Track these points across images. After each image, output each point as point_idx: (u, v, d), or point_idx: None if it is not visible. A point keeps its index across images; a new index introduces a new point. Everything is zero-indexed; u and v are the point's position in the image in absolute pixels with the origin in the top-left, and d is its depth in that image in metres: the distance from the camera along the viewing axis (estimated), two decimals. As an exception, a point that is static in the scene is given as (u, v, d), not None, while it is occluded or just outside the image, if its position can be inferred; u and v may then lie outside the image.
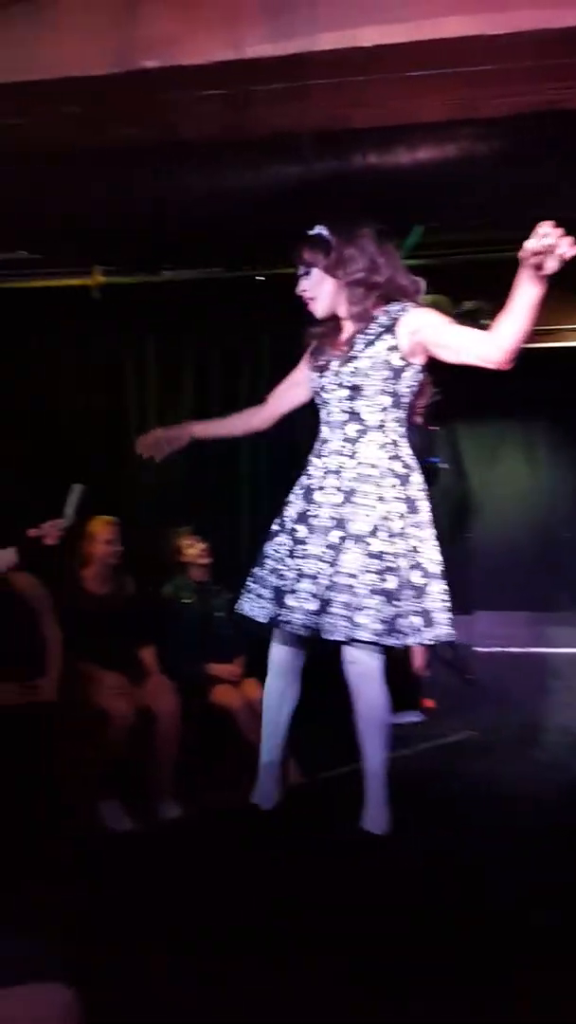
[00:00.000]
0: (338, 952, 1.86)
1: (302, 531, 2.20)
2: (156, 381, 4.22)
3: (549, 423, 5.98)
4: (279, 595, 2.19)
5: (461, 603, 6.05)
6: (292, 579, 2.17)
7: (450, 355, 2.15)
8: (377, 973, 1.75)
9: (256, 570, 2.28)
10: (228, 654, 3.70)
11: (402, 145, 2.71)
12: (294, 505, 2.26)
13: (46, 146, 2.21)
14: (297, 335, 3.47)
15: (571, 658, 5.45)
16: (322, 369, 2.25)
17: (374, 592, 2.07)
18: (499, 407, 5.76)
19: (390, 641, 2.10)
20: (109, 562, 3.44)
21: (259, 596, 2.25)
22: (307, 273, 2.22)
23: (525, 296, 1.96)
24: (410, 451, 2.23)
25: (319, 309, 2.24)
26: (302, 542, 2.19)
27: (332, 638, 2.10)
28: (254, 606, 2.25)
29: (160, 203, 2.79)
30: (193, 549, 3.77)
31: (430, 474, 4.99)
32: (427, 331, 2.14)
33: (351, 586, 2.08)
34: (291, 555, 2.20)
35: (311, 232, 2.23)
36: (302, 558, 2.17)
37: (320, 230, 2.23)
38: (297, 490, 2.27)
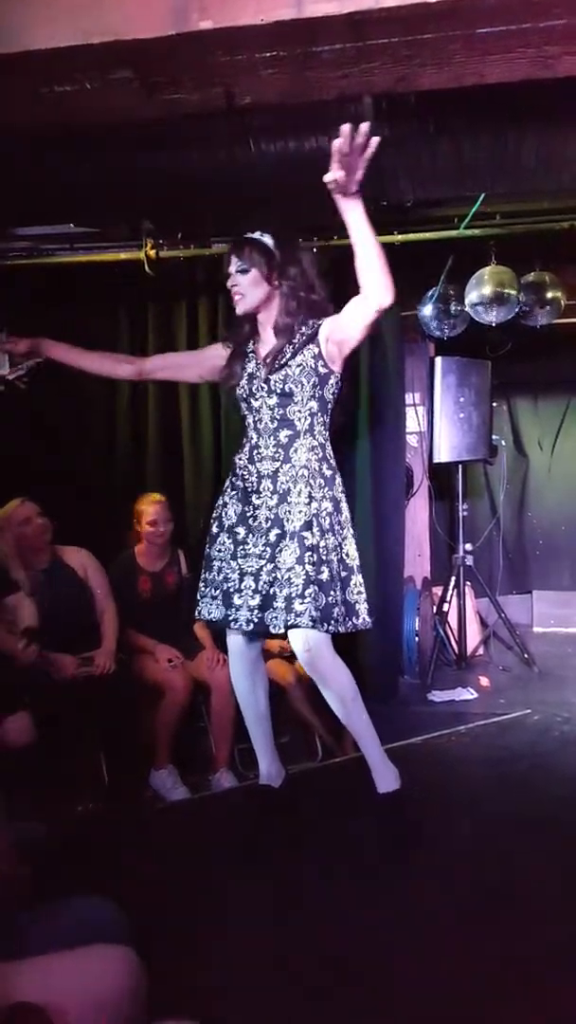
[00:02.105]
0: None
1: (242, 532, 2.37)
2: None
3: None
4: (226, 595, 2.36)
5: (520, 582, 5.99)
6: (235, 579, 2.34)
7: (353, 328, 2.27)
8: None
9: (204, 574, 2.46)
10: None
11: (466, 106, 2.62)
12: (231, 507, 2.41)
13: (98, 115, 2.16)
14: (339, 300, 3.36)
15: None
16: (250, 377, 2.40)
17: (310, 582, 2.20)
18: (561, 384, 5.62)
19: (324, 629, 2.23)
20: (160, 538, 3.47)
21: (212, 598, 2.42)
22: (244, 271, 2.33)
23: (351, 221, 2.17)
24: (331, 454, 2.39)
25: (243, 306, 2.37)
26: (243, 542, 2.35)
27: (276, 631, 2.25)
28: (210, 608, 2.42)
29: (214, 172, 2.75)
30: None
31: (491, 451, 4.92)
32: (332, 327, 2.30)
33: (290, 579, 2.22)
34: (233, 556, 2.37)
35: (255, 236, 2.36)
36: (243, 558, 2.34)
37: (265, 237, 2.36)
38: (231, 492, 2.42)
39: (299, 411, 2.33)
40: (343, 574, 2.32)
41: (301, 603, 2.19)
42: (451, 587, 4.65)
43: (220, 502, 2.46)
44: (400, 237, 3.71)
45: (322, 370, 2.33)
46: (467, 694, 4.08)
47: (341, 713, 2.36)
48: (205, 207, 3.16)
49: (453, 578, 4.66)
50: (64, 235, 3.79)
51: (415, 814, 2.34)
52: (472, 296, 4.05)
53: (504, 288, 4.02)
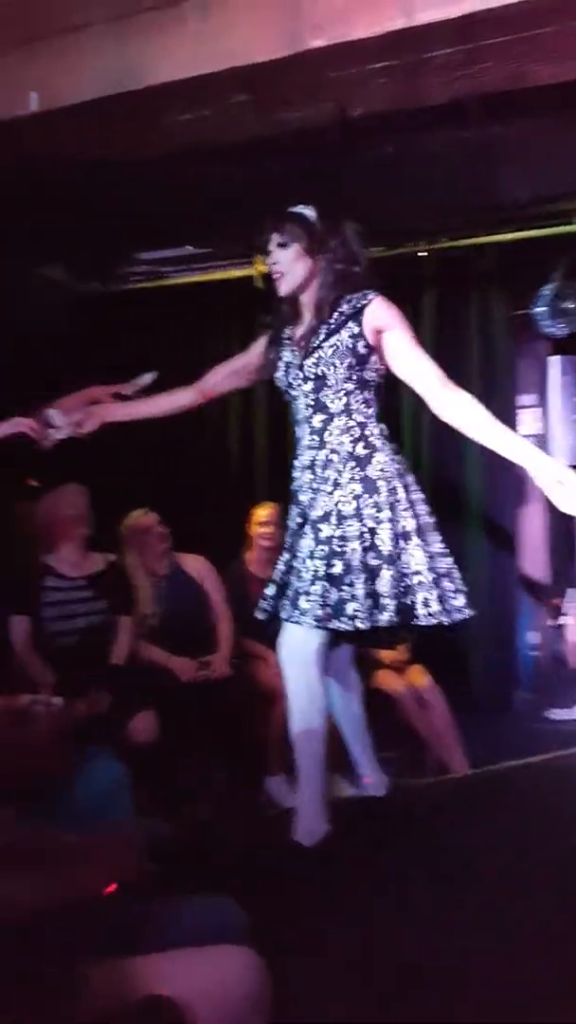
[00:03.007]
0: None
1: (290, 527, 2.26)
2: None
3: None
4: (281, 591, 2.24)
5: None
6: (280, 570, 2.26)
7: (398, 372, 2.15)
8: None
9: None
10: (393, 639, 3.68)
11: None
12: (291, 510, 2.29)
13: (214, 138, 2.24)
14: (457, 308, 3.36)
15: None
16: (287, 367, 2.24)
17: (317, 578, 2.07)
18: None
19: (335, 625, 2.07)
20: (273, 545, 3.52)
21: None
22: (284, 245, 2.17)
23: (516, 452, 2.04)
24: (379, 431, 2.18)
25: (286, 285, 2.20)
26: (292, 546, 2.23)
27: (283, 618, 2.13)
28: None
29: (327, 185, 2.78)
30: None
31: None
32: (388, 339, 2.14)
33: (300, 571, 2.12)
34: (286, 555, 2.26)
35: (296, 209, 2.19)
36: (306, 559, 2.16)
37: (306, 210, 2.19)
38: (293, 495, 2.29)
39: (333, 393, 2.16)
40: (373, 563, 2.09)
41: (304, 599, 2.08)
42: (569, 599, 4.47)
43: None
44: (512, 235, 3.63)
45: (362, 350, 2.15)
46: (573, 714, 3.90)
47: (293, 714, 2.22)
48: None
49: (571, 589, 4.48)
50: (180, 257, 3.93)
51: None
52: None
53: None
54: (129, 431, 3.49)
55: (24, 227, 3.04)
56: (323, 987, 1.70)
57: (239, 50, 1.80)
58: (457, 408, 2.07)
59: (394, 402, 4.03)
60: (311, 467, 2.20)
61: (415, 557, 2.11)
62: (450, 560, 2.20)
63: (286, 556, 2.24)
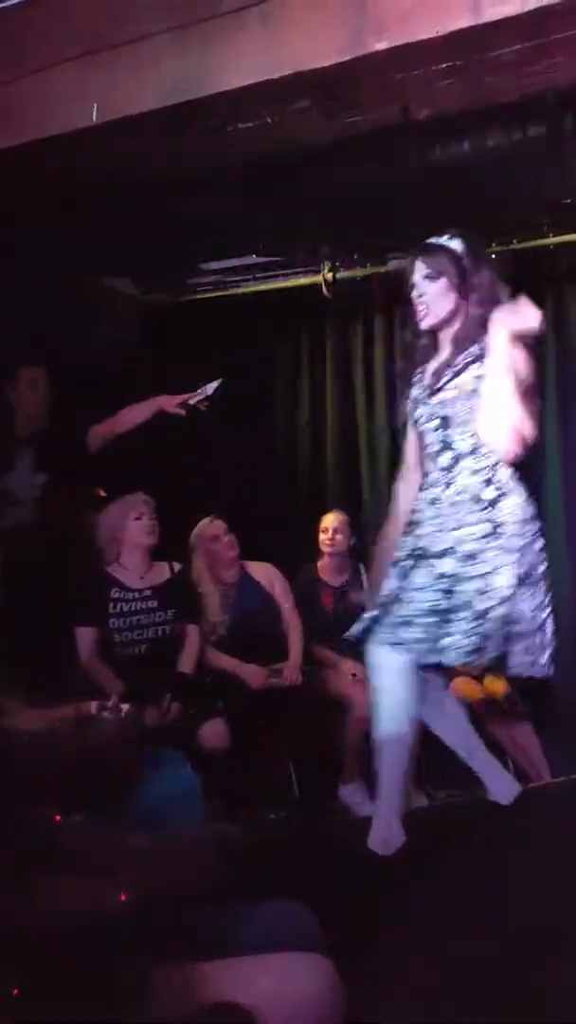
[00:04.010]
0: None
1: (409, 564, 2.16)
2: (383, 373, 4.14)
3: None
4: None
5: None
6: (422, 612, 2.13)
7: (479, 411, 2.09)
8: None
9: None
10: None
11: None
12: (405, 539, 2.23)
13: (278, 145, 2.25)
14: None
15: None
16: (415, 402, 2.22)
17: (425, 612, 2.07)
18: None
19: (431, 659, 2.09)
20: (341, 553, 3.51)
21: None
22: (432, 278, 2.14)
23: None
24: (508, 473, 2.15)
25: (431, 319, 2.18)
26: (406, 575, 2.16)
27: (381, 640, 2.12)
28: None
29: (390, 186, 2.76)
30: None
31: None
32: (488, 372, 2.07)
33: (409, 601, 2.09)
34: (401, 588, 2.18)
35: (445, 241, 2.16)
36: (420, 590, 2.12)
37: (453, 241, 2.16)
38: (407, 528, 2.25)
39: (459, 434, 2.15)
40: (482, 606, 2.07)
41: (409, 630, 2.08)
42: None
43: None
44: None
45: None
46: None
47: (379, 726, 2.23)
48: (381, 222, 3.18)
49: None
50: (247, 266, 3.95)
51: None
52: None
53: None
54: (196, 439, 3.52)
55: (90, 239, 3.11)
56: (392, 998, 1.67)
57: (302, 55, 1.80)
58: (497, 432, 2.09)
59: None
60: (435, 503, 2.19)
61: (523, 607, 2.11)
62: (548, 612, 2.18)
63: (394, 583, 2.18)
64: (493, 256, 2.16)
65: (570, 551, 3.83)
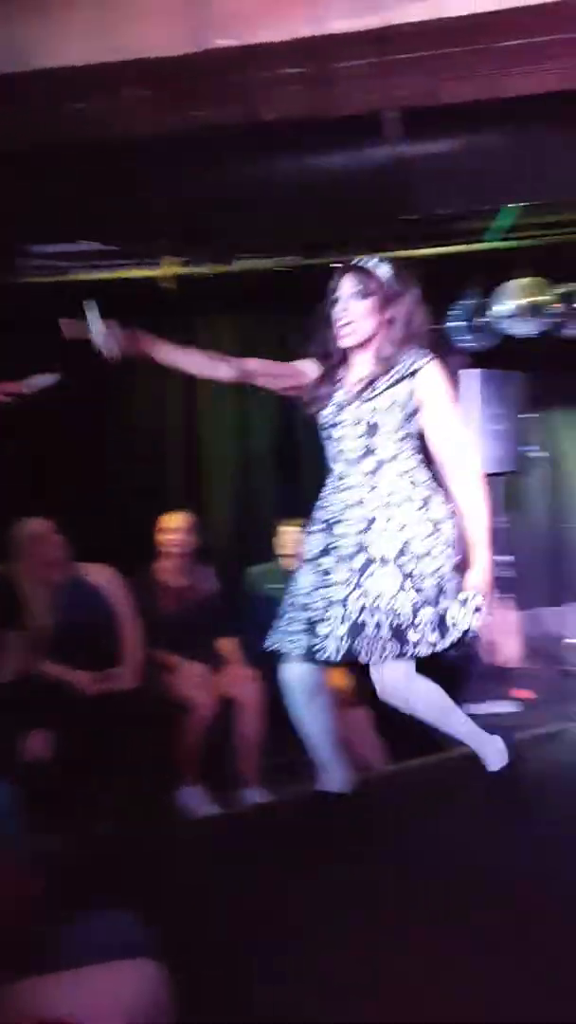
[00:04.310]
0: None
1: (327, 562, 2.28)
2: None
3: None
4: (311, 626, 2.26)
5: (555, 595, 5.90)
6: (321, 608, 2.25)
7: (430, 434, 2.27)
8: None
9: (286, 608, 2.34)
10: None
11: (489, 121, 2.61)
12: (315, 539, 2.33)
13: (116, 132, 2.18)
14: None
15: None
16: (338, 406, 2.30)
17: (397, 612, 2.17)
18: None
19: (410, 655, 2.20)
20: (184, 554, 3.47)
21: (290, 631, 2.30)
22: (360, 297, 2.23)
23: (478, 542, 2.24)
24: (427, 476, 2.30)
25: (353, 338, 2.27)
26: (327, 572, 2.27)
27: (366, 661, 2.21)
28: (286, 641, 2.30)
29: (236, 188, 2.77)
30: (290, 537, 3.76)
31: (526, 463, 4.88)
32: (429, 405, 2.25)
33: (377, 607, 2.18)
34: (316, 587, 2.28)
35: (373, 265, 2.26)
36: (329, 587, 2.25)
37: (382, 266, 2.26)
38: (315, 526, 2.35)
39: (385, 442, 2.26)
40: (443, 601, 2.23)
41: (388, 633, 2.18)
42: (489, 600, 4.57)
43: (305, 536, 2.43)
44: (428, 251, 3.69)
45: (414, 405, 2.28)
46: (506, 707, 4.01)
47: (441, 727, 2.41)
48: (228, 223, 3.17)
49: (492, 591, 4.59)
50: (84, 253, 3.77)
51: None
52: (503, 308, 4.01)
53: (537, 299, 3.99)
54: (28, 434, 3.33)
55: None
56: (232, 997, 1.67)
57: (138, 43, 1.76)
58: (464, 488, 2.25)
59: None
60: (360, 504, 2.27)
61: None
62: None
63: (355, 593, 2.22)
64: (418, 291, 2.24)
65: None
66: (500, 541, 4.54)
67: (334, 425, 2.31)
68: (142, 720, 3.02)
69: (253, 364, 2.35)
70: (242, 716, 3.23)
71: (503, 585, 4.53)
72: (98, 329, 2.19)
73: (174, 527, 3.47)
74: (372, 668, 2.25)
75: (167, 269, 3.74)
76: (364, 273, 2.25)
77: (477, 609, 2.25)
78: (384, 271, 2.27)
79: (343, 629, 2.20)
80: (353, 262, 2.29)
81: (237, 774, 3.21)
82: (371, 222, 3.36)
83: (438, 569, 2.23)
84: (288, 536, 3.75)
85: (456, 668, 4.26)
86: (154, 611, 3.38)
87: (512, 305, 3.96)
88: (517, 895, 2.02)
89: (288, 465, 4.18)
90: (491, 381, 4.48)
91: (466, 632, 2.25)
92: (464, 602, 2.24)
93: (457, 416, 2.29)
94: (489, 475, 4.49)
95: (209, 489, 4.17)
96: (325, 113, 2.27)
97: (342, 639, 2.19)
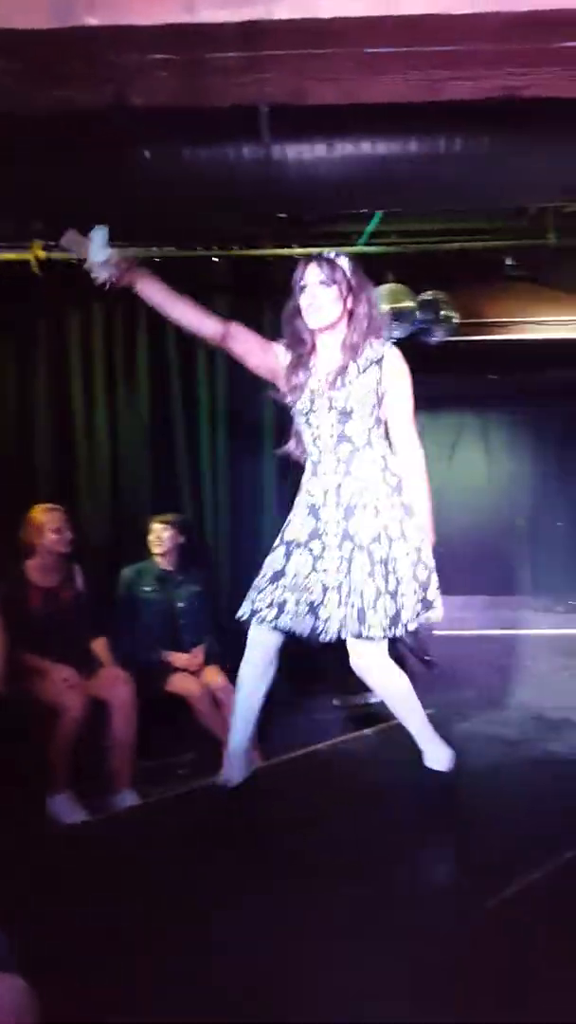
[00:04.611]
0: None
1: (317, 547, 2.40)
2: (103, 361, 4.06)
3: (504, 415, 6.11)
4: (313, 609, 2.37)
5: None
6: (320, 593, 2.37)
7: (388, 412, 2.40)
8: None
9: (268, 580, 2.42)
10: (188, 643, 3.66)
11: (357, 125, 2.66)
12: (301, 523, 2.43)
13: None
14: (250, 318, 3.42)
15: (526, 639, 5.61)
16: (312, 393, 2.42)
17: (381, 593, 2.31)
18: (457, 399, 5.83)
19: (395, 632, 2.35)
20: (56, 552, 3.35)
21: (279, 603, 2.39)
22: (326, 284, 2.36)
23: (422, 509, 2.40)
24: (396, 462, 2.43)
25: (320, 320, 2.37)
26: (318, 557, 2.39)
27: (344, 636, 2.34)
28: (271, 611, 2.38)
29: (108, 174, 2.69)
30: (161, 536, 3.70)
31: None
32: (390, 389, 2.39)
33: (362, 591, 2.32)
34: (311, 571, 2.39)
35: (333, 255, 2.40)
36: (321, 572, 2.38)
37: (343, 259, 2.40)
38: (300, 509, 2.45)
39: (358, 428, 2.39)
40: (424, 575, 2.40)
41: (371, 614, 2.30)
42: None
43: (288, 520, 2.49)
44: (298, 251, 3.74)
45: (381, 392, 2.40)
46: (370, 698, 4.12)
47: (397, 714, 2.51)
48: (101, 210, 3.09)
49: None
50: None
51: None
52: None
53: (401, 305, 4.12)
54: None
55: None
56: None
57: (3, 11, 1.68)
58: (410, 458, 2.41)
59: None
60: (337, 489, 2.39)
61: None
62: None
63: (344, 579, 2.35)
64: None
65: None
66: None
67: (310, 412, 2.41)
68: (8, 727, 2.89)
69: (236, 328, 2.42)
70: (114, 719, 3.16)
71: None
72: (100, 254, 2.20)
73: (44, 523, 3.34)
74: (352, 644, 2.37)
75: (36, 253, 3.59)
76: (328, 263, 2.37)
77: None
78: (345, 263, 2.39)
79: (340, 612, 2.34)
80: (317, 253, 2.42)
81: (109, 778, 3.14)
82: (242, 218, 3.36)
83: (416, 549, 2.39)
84: (156, 533, 3.71)
85: (327, 660, 4.36)
86: (22, 611, 3.24)
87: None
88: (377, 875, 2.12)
89: (161, 463, 4.11)
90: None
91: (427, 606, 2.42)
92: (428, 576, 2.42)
93: (410, 394, 2.43)
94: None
95: (82, 486, 4.03)
96: (195, 102, 2.25)
97: (341, 622, 2.34)
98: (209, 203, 2.86)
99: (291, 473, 3.91)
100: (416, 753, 2.56)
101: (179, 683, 3.52)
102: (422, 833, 2.39)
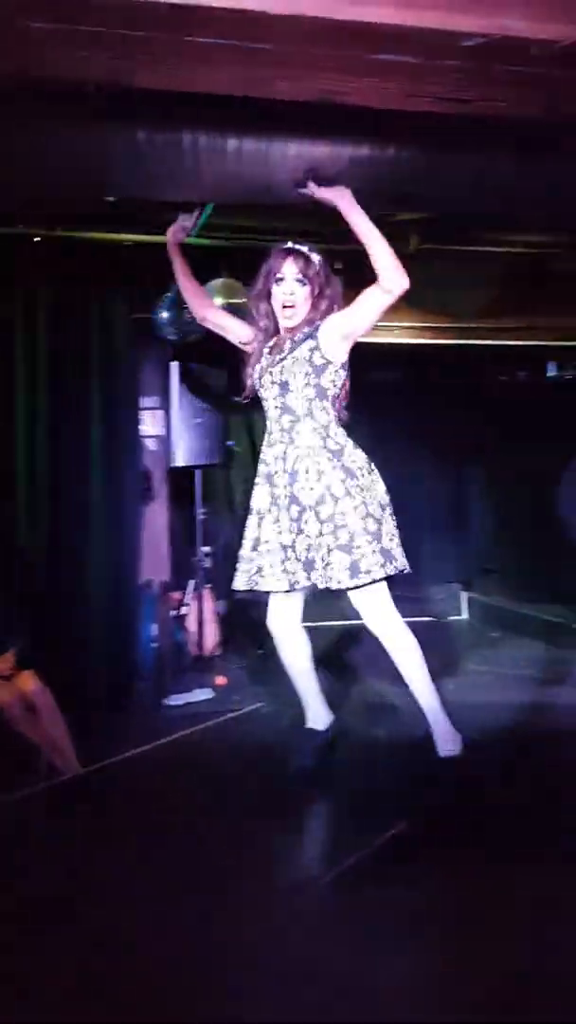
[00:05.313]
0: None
1: (274, 511, 2.65)
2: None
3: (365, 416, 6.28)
4: (278, 567, 2.63)
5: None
6: (277, 550, 2.63)
7: (365, 319, 2.56)
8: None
9: (247, 553, 2.71)
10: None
11: (181, 114, 2.66)
12: (260, 491, 2.69)
13: None
14: (75, 302, 3.40)
15: (362, 628, 5.80)
16: (262, 371, 2.66)
17: (333, 549, 2.53)
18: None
19: (360, 580, 2.53)
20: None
21: (253, 571, 2.68)
22: (303, 282, 2.59)
23: (343, 213, 2.53)
24: (342, 432, 2.66)
25: (293, 321, 2.62)
26: (276, 520, 2.64)
27: (325, 586, 2.57)
28: (253, 580, 2.68)
29: None
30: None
31: (226, 455, 5.08)
32: (338, 323, 2.57)
33: (319, 545, 2.55)
34: (275, 533, 2.64)
35: (308, 250, 2.61)
36: (279, 533, 2.63)
37: (313, 252, 2.62)
38: (260, 478, 2.70)
39: (296, 399, 2.59)
40: (374, 527, 2.56)
41: (333, 568, 2.51)
42: (190, 589, 4.70)
43: (253, 487, 2.72)
44: (133, 237, 3.71)
45: (318, 361, 2.58)
46: (204, 694, 4.15)
47: (406, 672, 2.65)
48: None
49: (192, 581, 4.72)
50: None
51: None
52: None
53: (236, 300, 4.17)
54: None
55: None
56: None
57: None
58: (381, 269, 2.51)
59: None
60: (284, 458, 2.61)
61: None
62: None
63: (299, 537, 2.60)
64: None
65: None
66: (200, 532, 4.74)
67: (261, 385, 2.66)
68: None
69: (216, 311, 2.92)
70: (44, 717, 3.13)
71: (205, 575, 4.72)
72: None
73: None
74: (355, 600, 2.61)
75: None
76: (305, 259, 2.57)
77: None
78: (317, 257, 2.60)
79: (297, 567, 2.59)
80: (292, 246, 2.63)
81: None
82: (70, 198, 3.30)
83: (362, 503, 2.56)
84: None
85: (161, 660, 4.35)
86: None
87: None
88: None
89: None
90: (195, 374, 4.62)
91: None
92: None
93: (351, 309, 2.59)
94: (189, 467, 4.66)
95: (23, 479, 3.85)
96: (19, 74, 2.19)
97: (306, 577, 2.59)
98: (34, 179, 2.79)
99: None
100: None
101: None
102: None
